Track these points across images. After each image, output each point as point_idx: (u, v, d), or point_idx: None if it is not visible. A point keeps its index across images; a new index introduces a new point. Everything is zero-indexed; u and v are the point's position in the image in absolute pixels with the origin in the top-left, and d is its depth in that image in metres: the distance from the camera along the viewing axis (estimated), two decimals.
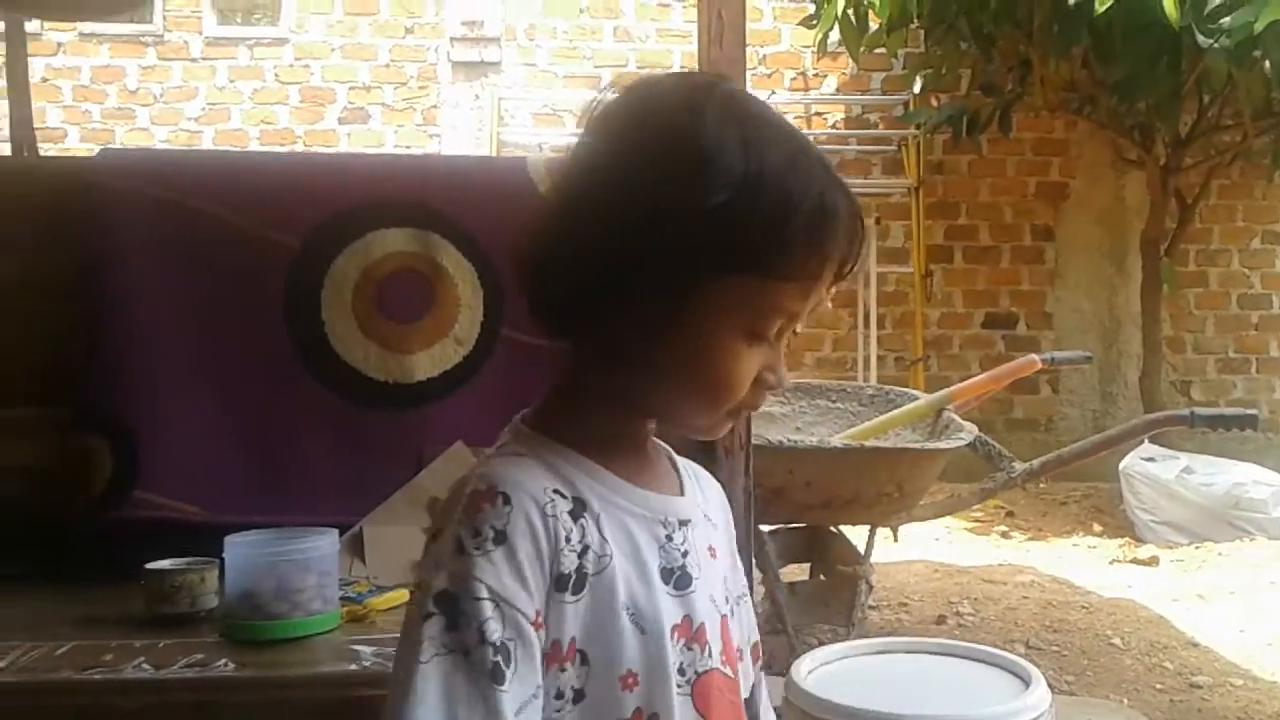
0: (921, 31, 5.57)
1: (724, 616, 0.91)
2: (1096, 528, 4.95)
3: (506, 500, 0.81)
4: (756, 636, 1.00)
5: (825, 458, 2.33)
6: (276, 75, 6.16)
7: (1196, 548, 4.52)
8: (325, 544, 1.53)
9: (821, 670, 1.78)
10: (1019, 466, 2.54)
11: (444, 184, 2.03)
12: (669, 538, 0.88)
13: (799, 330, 0.89)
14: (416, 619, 0.80)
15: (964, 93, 5.75)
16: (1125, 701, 2.80)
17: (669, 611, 0.85)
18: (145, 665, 1.43)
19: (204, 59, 6.14)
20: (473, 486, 0.82)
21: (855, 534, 2.77)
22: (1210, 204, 6.17)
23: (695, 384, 0.85)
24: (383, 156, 1.98)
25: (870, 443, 2.45)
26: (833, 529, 2.69)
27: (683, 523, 0.90)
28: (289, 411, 1.93)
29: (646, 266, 0.81)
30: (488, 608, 0.78)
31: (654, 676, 0.84)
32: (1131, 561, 4.38)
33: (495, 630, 0.78)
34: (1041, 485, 5.61)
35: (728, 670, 0.89)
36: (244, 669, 1.43)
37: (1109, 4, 4.19)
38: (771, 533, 2.65)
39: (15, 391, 1.88)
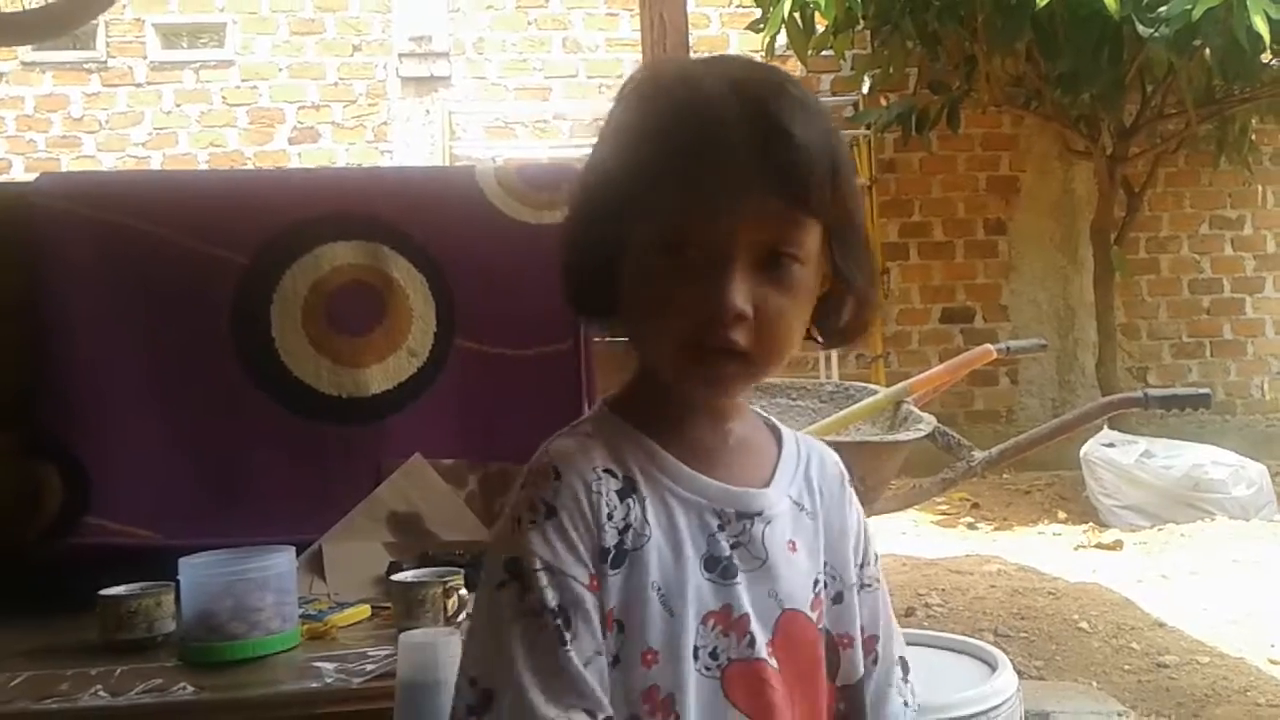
0: (868, 32, 5.61)
1: (789, 610, 0.91)
2: (1061, 515, 5.00)
3: (558, 475, 0.87)
4: (876, 631, 0.99)
5: None
6: (224, 97, 6.11)
7: (1159, 530, 4.58)
8: (282, 562, 1.51)
9: None
10: (979, 455, 2.55)
11: (393, 195, 2.01)
12: (721, 527, 0.89)
13: (784, 275, 0.85)
14: (491, 587, 0.86)
15: (912, 91, 5.80)
16: (1094, 684, 2.82)
17: (704, 598, 0.87)
18: (102, 693, 1.41)
19: (149, 84, 6.08)
20: (536, 462, 0.89)
21: None
22: (1158, 192, 6.25)
23: (638, 319, 0.89)
24: (330, 170, 1.96)
25: (829, 438, 2.45)
26: None
27: (744, 515, 0.91)
28: (241, 431, 1.91)
29: (595, 239, 0.88)
30: (543, 577, 0.84)
31: (674, 658, 0.86)
32: (1096, 546, 4.43)
33: (552, 597, 0.83)
34: (1005, 476, 5.67)
35: (773, 662, 0.89)
36: (203, 692, 1.41)
37: None
38: None
39: None
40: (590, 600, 0.85)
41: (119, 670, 1.45)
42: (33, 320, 1.86)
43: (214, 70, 6.12)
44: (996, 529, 4.84)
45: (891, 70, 5.61)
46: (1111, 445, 4.90)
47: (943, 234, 6.31)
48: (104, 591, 1.55)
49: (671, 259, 0.85)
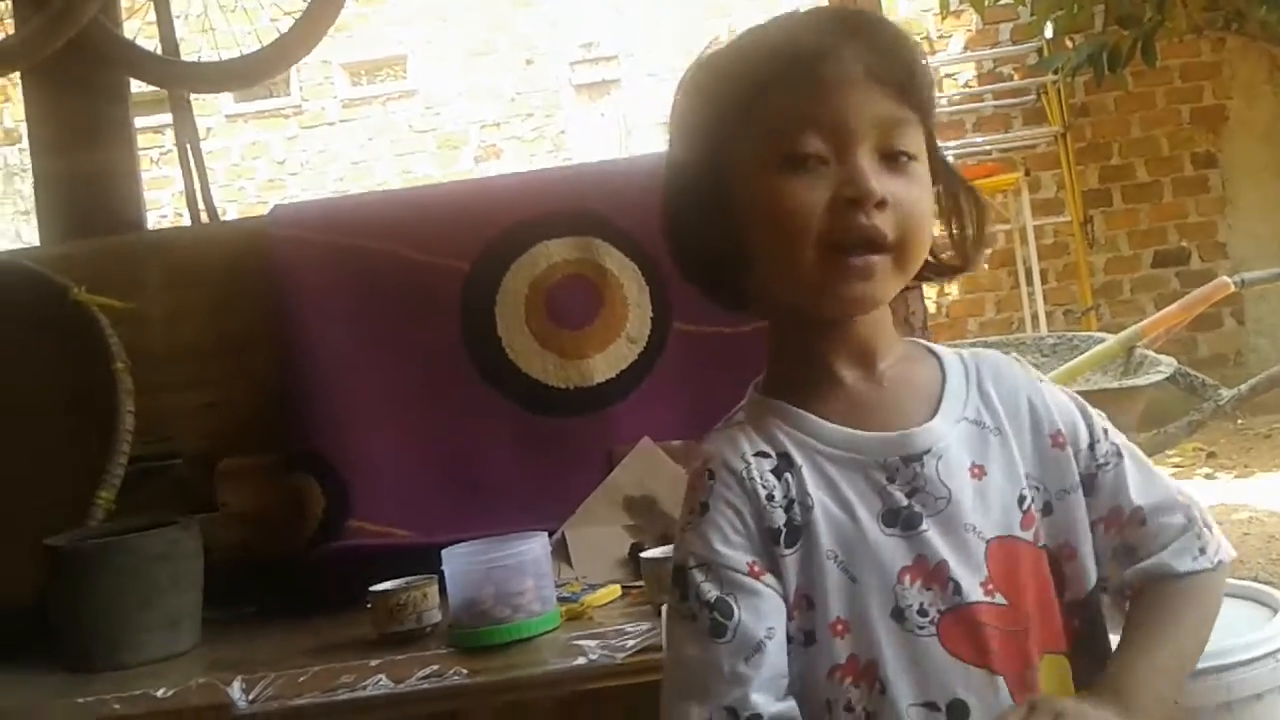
0: None
1: (997, 539, 0.87)
2: None
3: (711, 475, 0.89)
4: (1139, 502, 0.92)
5: None
6: (410, 126, 6.36)
7: None
8: (537, 546, 1.56)
9: None
10: (1227, 393, 2.40)
11: (600, 188, 2.05)
12: (891, 479, 0.87)
13: (901, 153, 0.86)
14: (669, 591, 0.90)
15: (1100, 29, 5.51)
16: None
17: (895, 555, 0.85)
18: (385, 682, 1.48)
19: (341, 121, 6.39)
20: (694, 465, 0.92)
21: None
22: None
23: (771, 242, 0.87)
24: (537, 171, 2.04)
25: (1064, 388, 2.36)
26: None
27: (910, 458, 0.88)
28: (480, 429, 1.98)
29: (691, 180, 0.91)
30: (699, 574, 0.86)
31: (865, 624, 0.85)
32: None
33: (710, 590, 0.85)
34: (1240, 421, 5.32)
35: (997, 598, 0.86)
36: (477, 675, 1.47)
37: None
38: None
39: (232, 443, 1.98)
40: (754, 585, 0.85)
41: (396, 660, 1.53)
42: (281, 346, 1.98)
43: (399, 101, 6.39)
44: (1237, 477, 4.55)
45: (1076, 9, 5.34)
46: None
47: (1147, 174, 5.97)
48: (374, 587, 1.63)
49: (793, 171, 0.85)
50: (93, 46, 2.21)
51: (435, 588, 1.62)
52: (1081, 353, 2.59)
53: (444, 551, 1.54)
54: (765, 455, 0.88)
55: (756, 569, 0.85)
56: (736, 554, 0.86)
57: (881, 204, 0.84)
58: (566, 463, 1.97)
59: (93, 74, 2.27)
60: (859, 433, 0.88)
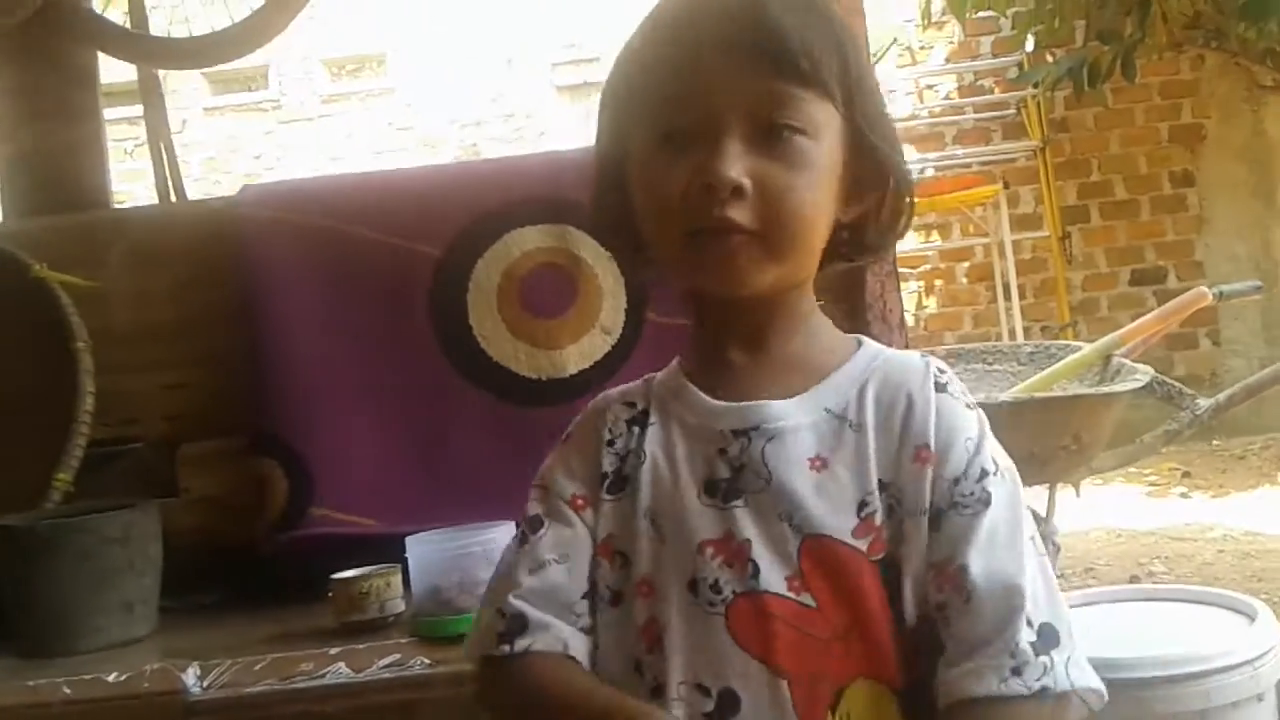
0: None
1: (815, 536, 0.81)
2: None
3: (586, 412, 0.95)
4: (964, 560, 0.79)
5: (992, 415, 2.20)
6: (389, 123, 6.32)
7: None
8: (502, 535, 1.51)
9: None
10: (1204, 402, 2.39)
11: (576, 175, 2.01)
12: (723, 450, 0.85)
13: (793, 135, 0.82)
14: None
15: (1080, 44, 5.54)
16: None
17: (704, 525, 0.84)
18: (344, 670, 1.44)
19: (320, 117, 6.34)
20: None
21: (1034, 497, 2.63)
22: None
23: (647, 223, 0.87)
24: (513, 157, 2.00)
25: (1040, 394, 2.33)
26: None
27: (739, 432, 0.85)
28: (449, 418, 1.94)
29: (603, 160, 0.92)
30: (534, 493, 0.93)
31: (663, 588, 0.84)
32: None
33: (534, 508, 0.92)
34: (1215, 442, 5.35)
35: (804, 598, 0.80)
36: (439, 665, 1.43)
37: None
38: None
39: (195, 427, 1.94)
40: (570, 515, 0.89)
41: (357, 649, 1.49)
42: (249, 327, 1.93)
43: (379, 98, 6.34)
44: (1213, 496, 4.56)
45: (1057, 23, 5.36)
46: None
47: (1125, 192, 5.99)
48: (336, 575, 1.58)
49: (668, 151, 0.83)
50: (60, 18, 2.16)
51: (399, 576, 1.58)
52: (1058, 361, 2.57)
53: (408, 538, 1.51)
54: (631, 405, 0.92)
55: (580, 503, 0.89)
56: (568, 484, 0.90)
57: (738, 191, 0.80)
58: (538, 454, 1.89)
59: (60, 47, 2.21)
60: (711, 400, 0.88)
